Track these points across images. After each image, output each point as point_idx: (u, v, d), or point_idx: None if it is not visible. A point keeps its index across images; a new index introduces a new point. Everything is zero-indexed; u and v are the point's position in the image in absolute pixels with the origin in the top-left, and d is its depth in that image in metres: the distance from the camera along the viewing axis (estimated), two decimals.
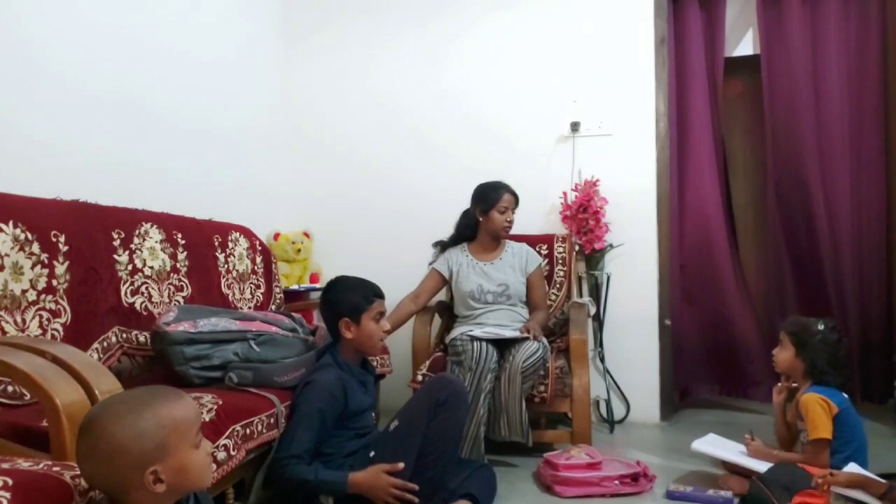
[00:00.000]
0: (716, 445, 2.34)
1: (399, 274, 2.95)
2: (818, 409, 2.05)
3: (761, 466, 2.08)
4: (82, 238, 1.88)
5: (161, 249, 2.22)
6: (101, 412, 1.07)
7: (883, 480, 1.79)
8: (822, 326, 2.16)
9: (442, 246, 2.96)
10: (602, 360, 3.20)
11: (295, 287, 3.21)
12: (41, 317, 1.69)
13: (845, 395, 2.12)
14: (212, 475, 1.21)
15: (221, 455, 1.54)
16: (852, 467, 1.88)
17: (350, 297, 2.01)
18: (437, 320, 2.97)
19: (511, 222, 2.80)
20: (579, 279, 3.23)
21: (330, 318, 2.04)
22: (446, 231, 3.05)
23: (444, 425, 1.88)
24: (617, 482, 2.20)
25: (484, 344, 2.41)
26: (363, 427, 1.99)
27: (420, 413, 1.90)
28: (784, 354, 2.21)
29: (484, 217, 2.81)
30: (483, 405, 2.35)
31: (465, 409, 2.02)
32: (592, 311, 3.08)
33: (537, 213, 3.26)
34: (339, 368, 1.98)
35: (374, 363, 2.36)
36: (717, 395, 3.41)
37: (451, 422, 1.90)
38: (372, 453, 1.90)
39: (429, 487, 1.84)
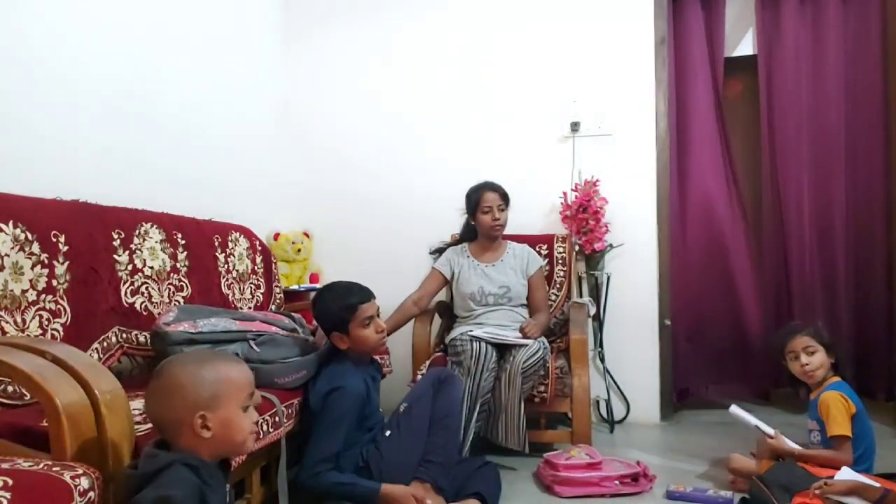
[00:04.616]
0: (753, 419, 2.29)
1: (399, 273, 2.96)
2: (840, 407, 2.05)
3: (795, 445, 2.13)
4: (82, 238, 1.88)
5: (161, 249, 2.22)
6: (172, 359, 1.28)
7: (878, 485, 1.79)
8: (822, 326, 2.24)
9: (439, 251, 2.95)
10: (602, 360, 3.20)
11: (295, 287, 3.21)
12: (41, 317, 1.69)
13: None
14: (253, 446, 1.32)
15: None
16: (847, 473, 1.87)
17: (333, 311, 1.99)
18: (437, 320, 2.97)
19: (499, 220, 2.75)
20: (579, 279, 3.23)
21: (323, 331, 2.07)
22: (446, 231, 3.05)
23: (447, 398, 2.06)
24: (617, 482, 2.20)
25: (483, 344, 2.41)
26: (375, 422, 2.06)
27: (426, 391, 2.08)
28: (818, 357, 2.16)
29: (474, 220, 2.81)
30: (480, 404, 2.36)
31: (461, 387, 2.20)
32: (592, 311, 3.08)
33: (537, 213, 3.26)
34: (357, 369, 2.01)
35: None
36: (716, 395, 3.42)
37: (452, 394, 2.08)
38: (388, 432, 2.00)
39: (441, 455, 1.97)
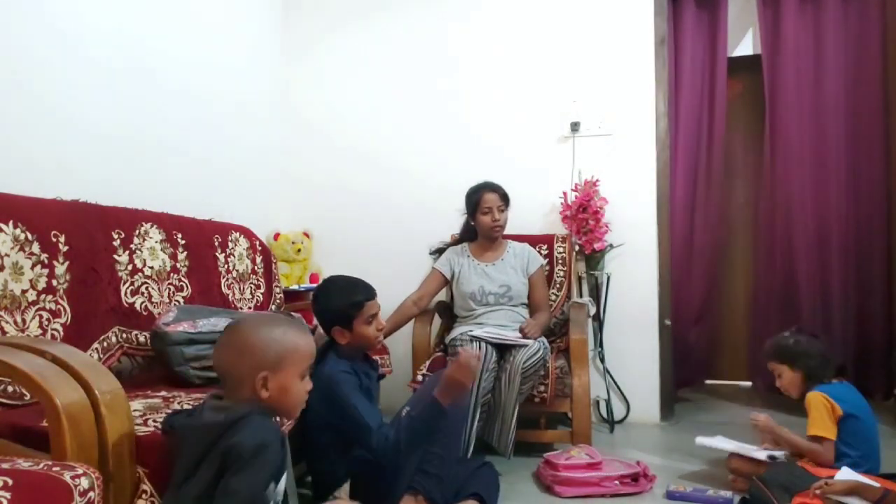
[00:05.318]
0: (721, 442, 2.32)
1: (399, 273, 2.96)
2: (820, 408, 2.05)
3: (763, 455, 2.11)
4: (82, 238, 1.88)
5: (161, 249, 2.22)
6: (248, 317, 1.39)
7: (877, 485, 1.79)
8: (789, 334, 2.23)
9: (439, 252, 2.95)
10: (602, 360, 3.20)
11: (295, 287, 3.21)
12: (41, 317, 1.69)
13: (863, 399, 2.12)
14: (298, 413, 1.40)
15: None
16: (846, 473, 1.87)
17: (338, 306, 1.95)
18: (437, 320, 2.97)
19: (499, 221, 2.75)
20: (579, 279, 3.23)
21: (323, 325, 2.03)
22: (446, 231, 3.05)
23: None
24: (617, 482, 2.20)
25: (484, 344, 2.41)
26: None
27: (428, 396, 1.98)
28: (786, 378, 2.18)
29: (473, 220, 2.81)
30: (480, 404, 2.36)
31: (466, 396, 2.11)
32: (592, 311, 3.08)
33: (537, 213, 3.26)
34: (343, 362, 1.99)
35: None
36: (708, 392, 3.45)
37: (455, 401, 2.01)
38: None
39: (437, 466, 1.89)
